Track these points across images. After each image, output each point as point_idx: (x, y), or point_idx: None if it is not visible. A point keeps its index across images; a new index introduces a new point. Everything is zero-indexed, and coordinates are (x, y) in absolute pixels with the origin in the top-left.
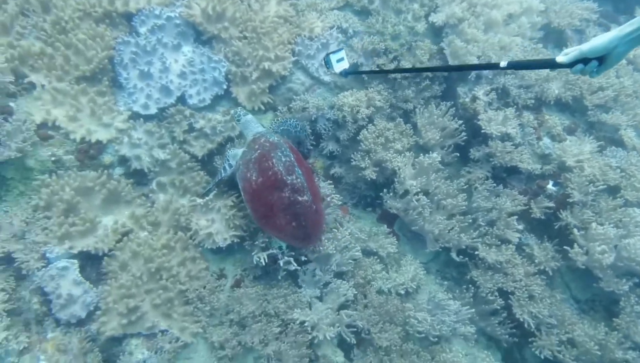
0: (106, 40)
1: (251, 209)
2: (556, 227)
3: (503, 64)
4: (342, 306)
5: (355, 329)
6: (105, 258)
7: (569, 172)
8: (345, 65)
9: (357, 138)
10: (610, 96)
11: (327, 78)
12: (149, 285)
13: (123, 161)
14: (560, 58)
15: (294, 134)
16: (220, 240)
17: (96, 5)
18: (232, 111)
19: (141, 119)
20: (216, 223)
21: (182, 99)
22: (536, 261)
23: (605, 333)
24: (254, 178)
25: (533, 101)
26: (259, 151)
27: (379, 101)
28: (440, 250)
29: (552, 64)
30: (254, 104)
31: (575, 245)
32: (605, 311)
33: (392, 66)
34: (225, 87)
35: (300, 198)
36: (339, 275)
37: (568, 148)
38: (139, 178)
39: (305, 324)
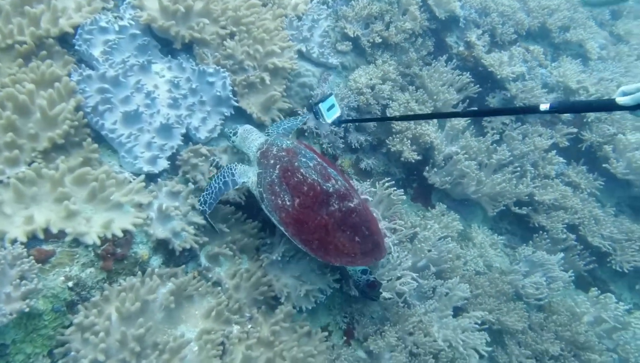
0: (65, 82)
1: (302, 243)
2: (582, 148)
3: (544, 107)
4: (457, 308)
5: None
6: None
7: (576, 94)
8: (337, 112)
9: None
10: (567, 15)
11: (334, 61)
12: None
13: (160, 245)
14: (622, 99)
15: (302, 121)
16: (319, 295)
17: (15, 33)
18: (225, 130)
19: (159, 179)
20: (305, 275)
21: (186, 136)
22: (582, 186)
23: None
24: (288, 202)
25: (515, 36)
26: (277, 166)
27: (392, 72)
28: (503, 208)
29: (610, 106)
30: (272, 114)
31: (612, 159)
32: (631, 209)
33: (393, 32)
34: (234, 103)
35: (352, 204)
36: (438, 275)
37: (567, 71)
38: (176, 257)
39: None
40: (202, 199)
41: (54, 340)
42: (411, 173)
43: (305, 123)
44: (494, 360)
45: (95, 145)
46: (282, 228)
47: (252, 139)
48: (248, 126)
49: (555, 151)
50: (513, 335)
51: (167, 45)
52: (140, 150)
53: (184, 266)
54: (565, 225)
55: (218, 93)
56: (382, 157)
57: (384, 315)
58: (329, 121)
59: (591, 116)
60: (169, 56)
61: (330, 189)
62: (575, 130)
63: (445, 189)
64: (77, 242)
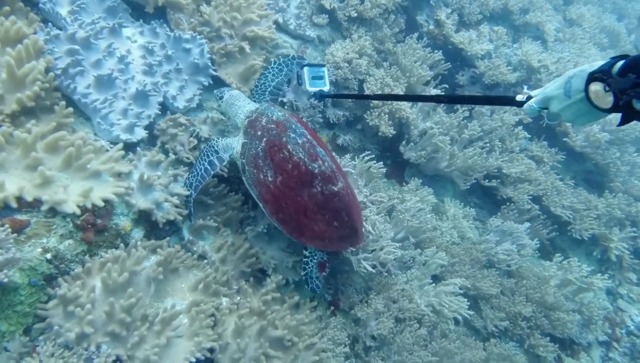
0: (34, 40)
1: (278, 222)
2: (543, 125)
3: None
4: (435, 277)
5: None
6: (220, 357)
7: (537, 73)
8: (324, 86)
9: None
10: None
11: (311, 33)
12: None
13: (141, 217)
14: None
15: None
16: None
17: None
18: (214, 91)
19: (138, 149)
20: (291, 246)
21: (163, 105)
22: (545, 159)
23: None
24: (270, 178)
25: (481, 16)
26: (264, 138)
27: (368, 48)
28: (474, 181)
29: None
30: (251, 85)
31: (571, 133)
32: (585, 183)
33: (368, 6)
34: (212, 72)
35: (335, 188)
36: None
37: (529, 51)
38: (158, 230)
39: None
40: (187, 182)
41: (31, 316)
42: (385, 150)
43: (284, 92)
44: (469, 324)
45: (70, 109)
46: (260, 204)
47: (239, 105)
48: (235, 92)
49: (521, 126)
50: (487, 300)
51: (138, 9)
52: (117, 117)
53: (168, 238)
54: (530, 196)
55: (196, 61)
56: (357, 133)
57: (367, 286)
58: (310, 89)
59: None
60: (141, 20)
61: (316, 171)
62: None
63: (419, 165)
64: (53, 212)
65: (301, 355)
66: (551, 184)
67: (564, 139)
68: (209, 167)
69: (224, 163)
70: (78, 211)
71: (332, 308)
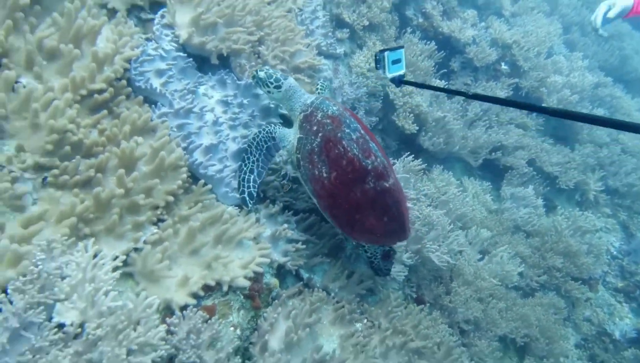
0: (165, 127)
1: (331, 217)
2: (522, 94)
3: None
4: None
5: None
6: None
7: (511, 49)
8: (401, 70)
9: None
10: None
11: (340, 50)
12: None
13: (278, 270)
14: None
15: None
16: (402, 273)
17: (86, 80)
18: (261, 74)
19: (257, 206)
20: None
21: None
22: (529, 125)
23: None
24: (324, 174)
25: (456, 2)
26: (320, 134)
27: None
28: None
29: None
30: None
31: (546, 98)
32: (554, 138)
33: (377, 12)
34: (280, 110)
35: (387, 184)
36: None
37: (500, 29)
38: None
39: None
40: (246, 166)
41: None
42: (402, 143)
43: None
44: (516, 287)
45: (209, 186)
46: (314, 199)
47: (297, 97)
48: (293, 82)
49: None
50: (524, 260)
51: (197, 60)
52: (235, 182)
53: (300, 283)
54: (526, 161)
55: (271, 105)
56: (379, 133)
57: (432, 275)
58: (389, 75)
59: (526, 66)
60: (210, 73)
61: (369, 167)
62: (516, 80)
63: (434, 151)
64: (228, 290)
65: (437, 357)
66: (540, 147)
67: (543, 105)
68: (267, 153)
69: (279, 152)
70: (248, 284)
71: (418, 305)
